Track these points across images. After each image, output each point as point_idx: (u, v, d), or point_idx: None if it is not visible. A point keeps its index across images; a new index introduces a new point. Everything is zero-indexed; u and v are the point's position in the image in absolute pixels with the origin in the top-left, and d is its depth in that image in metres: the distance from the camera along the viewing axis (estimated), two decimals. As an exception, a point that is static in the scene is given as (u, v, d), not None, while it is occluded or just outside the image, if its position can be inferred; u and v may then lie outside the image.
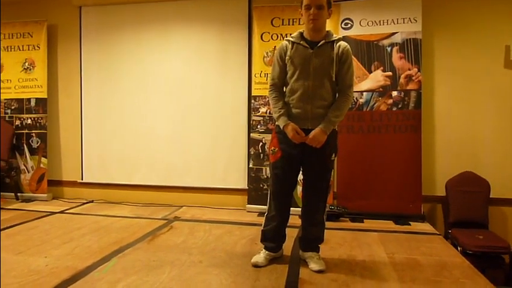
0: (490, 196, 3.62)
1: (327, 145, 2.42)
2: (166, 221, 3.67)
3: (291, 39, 2.47)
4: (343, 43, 2.44)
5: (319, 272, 2.42)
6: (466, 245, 3.17)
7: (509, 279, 3.17)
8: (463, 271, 2.49)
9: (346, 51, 2.42)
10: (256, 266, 2.49)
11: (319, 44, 2.39)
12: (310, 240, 2.58)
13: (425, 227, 3.57)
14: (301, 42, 2.42)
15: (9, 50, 4.82)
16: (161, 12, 4.51)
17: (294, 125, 2.39)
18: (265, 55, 4.14)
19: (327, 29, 2.46)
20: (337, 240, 3.06)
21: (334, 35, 2.46)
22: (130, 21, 4.59)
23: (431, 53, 3.94)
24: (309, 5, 2.35)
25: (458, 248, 3.17)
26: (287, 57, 2.44)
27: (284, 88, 2.54)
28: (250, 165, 4.17)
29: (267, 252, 2.57)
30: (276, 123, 2.50)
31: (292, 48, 2.43)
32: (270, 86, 2.54)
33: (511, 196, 3.74)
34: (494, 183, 3.63)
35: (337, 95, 2.47)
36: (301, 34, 2.47)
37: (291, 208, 2.61)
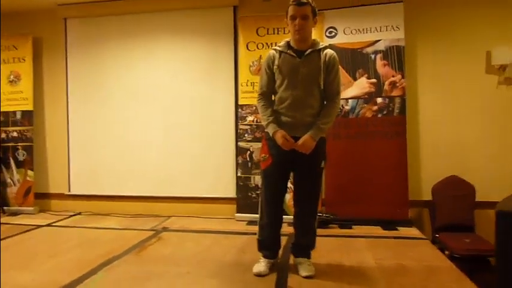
0: (476, 199, 3.67)
1: (317, 152, 2.44)
2: (154, 232, 3.65)
3: (278, 48, 2.50)
4: (329, 51, 2.48)
5: (308, 277, 2.43)
6: (453, 248, 3.20)
7: (496, 282, 3.20)
8: (451, 275, 2.52)
9: (333, 58, 2.46)
10: (259, 275, 2.49)
11: (306, 53, 2.42)
12: (302, 246, 2.60)
13: (413, 231, 3.60)
14: (289, 51, 2.45)
15: (-6, 62, 4.79)
16: (147, 23, 4.52)
17: (283, 132, 2.41)
18: (251, 64, 4.16)
19: (313, 38, 2.50)
20: (326, 247, 3.07)
21: (321, 43, 2.50)
22: (117, 32, 4.60)
23: (415, 59, 4.00)
24: (294, 16, 2.38)
25: (446, 252, 3.20)
26: (275, 67, 2.47)
27: (272, 97, 2.56)
28: (239, 174, 4.17)
29: (266, 260, 2.57)
30: (265, 130, 2.52)
31: (279, 58, 2.46)
32: (259, 95, 2.56)
33: (496, 199, 3.76)
34: (479, 186, 3.67)
35: (324, 102, 2.50)
36: (287, 43, 2.50)
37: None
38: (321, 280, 2.42)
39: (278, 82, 2.48)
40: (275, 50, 2.51)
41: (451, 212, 3.62)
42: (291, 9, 2.39)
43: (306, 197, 2.54)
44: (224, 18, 4.35)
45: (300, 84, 2.41)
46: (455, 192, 3.68)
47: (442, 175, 3.79)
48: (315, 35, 3.93)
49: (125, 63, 4.59)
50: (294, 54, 2.44)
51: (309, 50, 2.43)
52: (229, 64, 4.34)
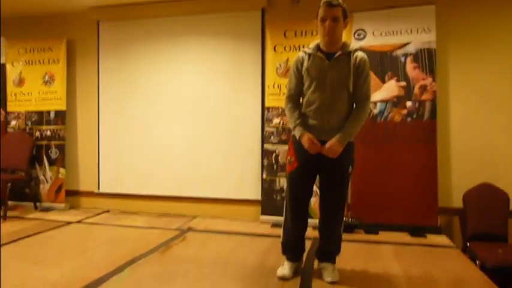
0: (510, 209, 3.52)
1: (344, 157, 2.39)
2: (179, 232, 3.69)
3: (307, 50, 2.46)
4: (360, 53, 2.42)
5: (332, 283, 2.40)
6: (484, 259, 3.07)
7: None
8: (481, 287, 2.42)
9: (364, 62, 2.40)
10: (283, 278, 2.47)
11: (336, 56, 2.38)
12: (327, 251, 2.56)
13: (442, 239, 3.49)
14: (318, 53, 2.41)
15: (30, 64, 4.97)
16: (176, 27, 4.59)
17: (310, 135, 2.37)
18: (279, 66, 4.15)
19: (343, 40, 2.45)
20: (351, 252, 3.02)
21: (351, 46, 2.45)
22: (147, 36, 4.69)
23: (446, 62, 3.89)
24: (325, 17, 2.33)
25: (477, 262, 3.08)
26: (304, 69, 2.43)
27: (300, 99, 2.53)
28: (264, 176, 4.17)
29: (290, 263, 2.55)
30: (292, 133, 2.50)
31: (308, 60, 2.42)
32: (287, 97, 2.54)
33: (532, 208, 3.63)
34: (513, 195, 3.54)
35: (354, 106, 2.45)
36: (317, 46, 2.45)
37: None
38: (345, 286, 2.38)
39: (306, 84, 2.44)
40: (304, 52, 2.47)
41: (483, 221, 3.49)
42: (322, 10, 2.35)
43: (332, 203, 2.49)
44: (252, 21, 4.35)
45: (329, 87, 2.37)
46: (488, 200, 3.54)
47: (473, 182, 3.65)
48: (343, 37, 3.91)
49: (154, 65, 4.67)
50: (324, 57, 2.39)
51: (339, 53, 2.38)
52: (257, 66, 4.35)
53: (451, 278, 2.56)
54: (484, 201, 3.55)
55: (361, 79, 2.39)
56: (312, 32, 4.03)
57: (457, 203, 3.73)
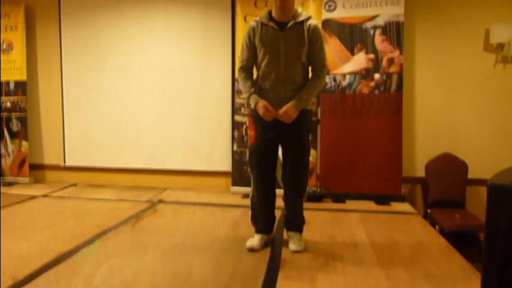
0: (468, 177, 3.72)
1: (301, 125, 2.42)
2: (150, 204, 3.69)
3: (259, 20, 2.42)
4: (312, 22, 2.40)
5: (296, 252, 2.46)
6: (443, 224, 3.27)
7: (483, 253, 3.28)
8: (440, 249, 2.57)
9: (317, 30, 2.39)
10: (251, 249, 2.50)
11: (289, 25, 2.35)
12: (292, 222, 2.60)
13: (405, 207, 3.66)
14: (270, 23, 2.37)
15: (-15, 31, 4.69)
16: (143, -7, 4.42)
17: (265, 102, 2.36)
18: (249, 37, 4.10)
19: (302, 10, 2.45)
20: (319, 221, 3.12)
21: (303, 14, 2.42)
22: (111, 2, 4.49)
23: (413, 35, 3.96)
24: None
25: (436, 227, 3.27)
26: (256, 39, 2.40)
27: (255, 70, 2.52)
28: (235, 148, 4.19)
29: (260, 235, 2.57)
30: (248, 102, 2.48)
31: (261, 30, 2.39)
32: (239, 68, 2.53)
33: (487, 177, 3.83)
34: (472, 164, 3.73)
35: (309, 75, 2.46)
36: (269, 14, 2.42)
37: (276, 189, 2.62)
38: (313, 253, 2.46)
39: (260, 56, 2.42)
40: (256, 21, 2.43)
41: (443, 189, 3.68)
42: None
43: (294, 173, 2.50)
44: (221, -11, 4.25)
45: (283, 58, 2.36)
46: (448, 169, 3.73)
47: (436, 152, 3.83)
48: (313, 8, 3.90)
49: (119, 33, 4.50)
50: (276, 27, 2.36)
51: (291, 22, 2.36)
52: (227, 37, 4.27)
53: (412, 241, 2.70)
54: (444, 170, 3.74)
55: (316, 47, 2.39)
56: (282, 2, 3.98)
57: (420, 172, 3.91)
